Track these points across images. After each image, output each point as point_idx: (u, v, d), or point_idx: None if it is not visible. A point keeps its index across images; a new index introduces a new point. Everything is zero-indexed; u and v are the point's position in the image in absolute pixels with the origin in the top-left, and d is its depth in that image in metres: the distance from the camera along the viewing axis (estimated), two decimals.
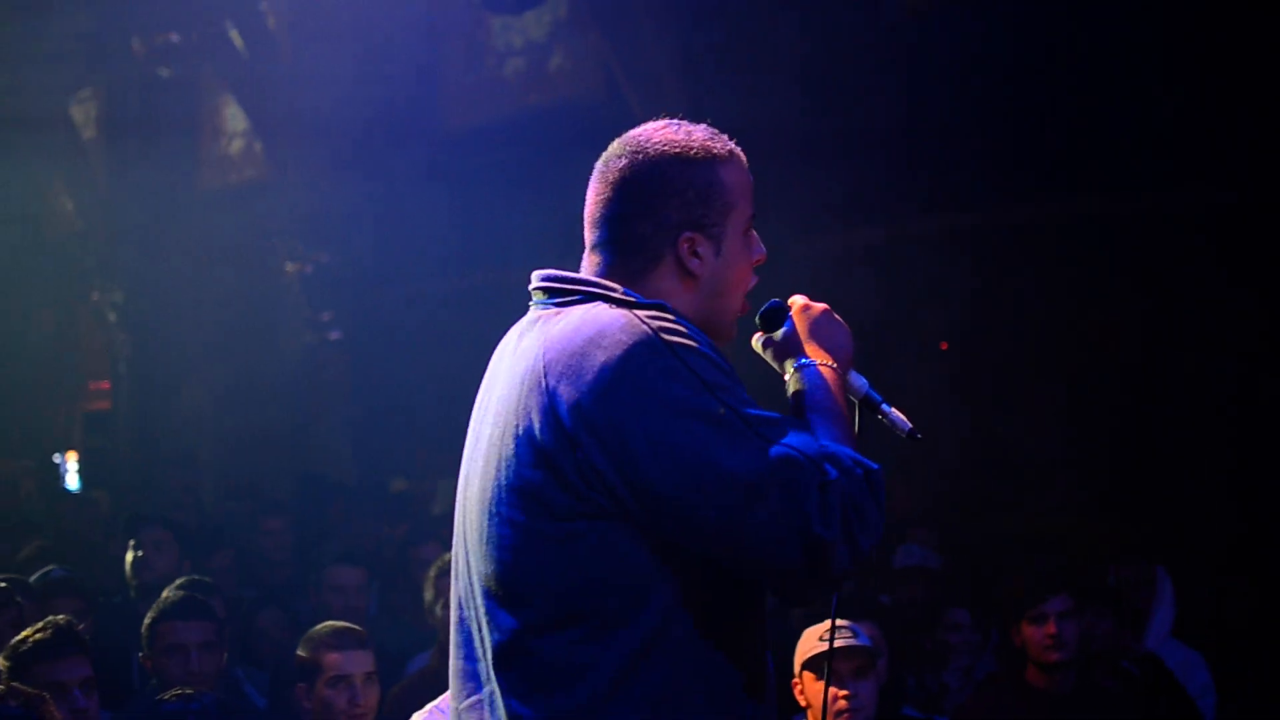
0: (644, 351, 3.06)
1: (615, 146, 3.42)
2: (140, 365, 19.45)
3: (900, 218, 12.23)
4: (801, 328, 3.46)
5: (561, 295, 3.32)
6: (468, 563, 3.30)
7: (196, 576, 8.09)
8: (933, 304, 12.10)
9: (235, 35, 16.23)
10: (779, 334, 3.48)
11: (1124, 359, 11.49)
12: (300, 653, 6.23)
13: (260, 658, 8.26)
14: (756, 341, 3.54)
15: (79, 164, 19.00)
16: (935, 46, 11.52)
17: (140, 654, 6.98)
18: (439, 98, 16.07)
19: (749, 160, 3.44)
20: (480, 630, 3.22)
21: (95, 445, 20.94)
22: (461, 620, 3.32)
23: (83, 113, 19.67)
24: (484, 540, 3.21)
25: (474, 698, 3.25)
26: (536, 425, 3.10)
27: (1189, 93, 10.07)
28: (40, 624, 5.99)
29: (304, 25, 16.38)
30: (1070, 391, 11.90)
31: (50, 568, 8.77)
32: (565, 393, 3.07)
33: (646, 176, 3.32)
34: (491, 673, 3.18)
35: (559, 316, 3.24)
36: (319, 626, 6.33)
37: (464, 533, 3.33)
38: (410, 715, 4.62)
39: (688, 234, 3.31)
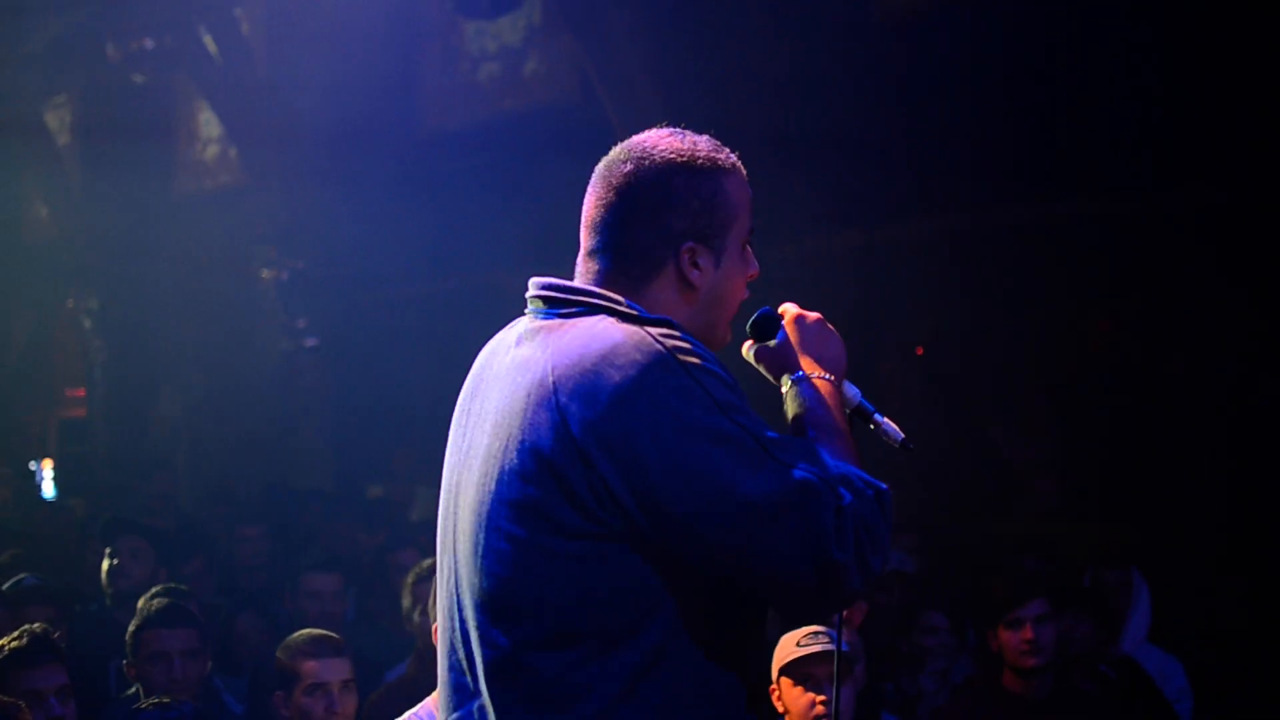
0: (659, 371, 3.03)
1: (619, 151, 3.39)
2: (116, 372, 19.41)
3: (880, 221, 12.24)
4: (795, 337, 3.44)
5: (563, 305, 3.29)
6: (456, 574, 3.26)
7: (173, 584, 8.08)
8: (913, 307, 12.10)
9: (209, 41, 16.21)
10: (773, 343, 3.46)
11: (1110, 361, 11.50)
12: (278, 660, 6.22)
13: (237, 665, 8.24)
14: (748, 350, 3.52)
15: (54, 170, 18.95)
16: (916, 49, 11.52)
17: (124, 661, 6.97)
18: (414, 103, 16.07)
19: None
20: (470, 644, 3.18)
21: (71, 452, 20.90)
22: (449, 632, 3.28)
23: (57, 118, 19.65)
24: (478, 553, 3.16)
25: (461, 711, 3.22)
26: (545, 441, 3.05)
27: (1181, 93, 10.07)
28: (16, 632, 5.98)
29: (278, 31, 16.38)
30: (1053, 395, 11.92)
31: (22, 576, 8.75)
32: (578, 410, 3.03)
33: (651, 183, 3.29)
34: (482, 687, 3.14)
35: (563, 328, 3.20)
36: (296, 634, 6.32)
37: (452, 543, 3.29)
38: None
39: (689, 244, 3.29)
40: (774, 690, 6.02)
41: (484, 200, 14.17)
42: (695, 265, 3.30)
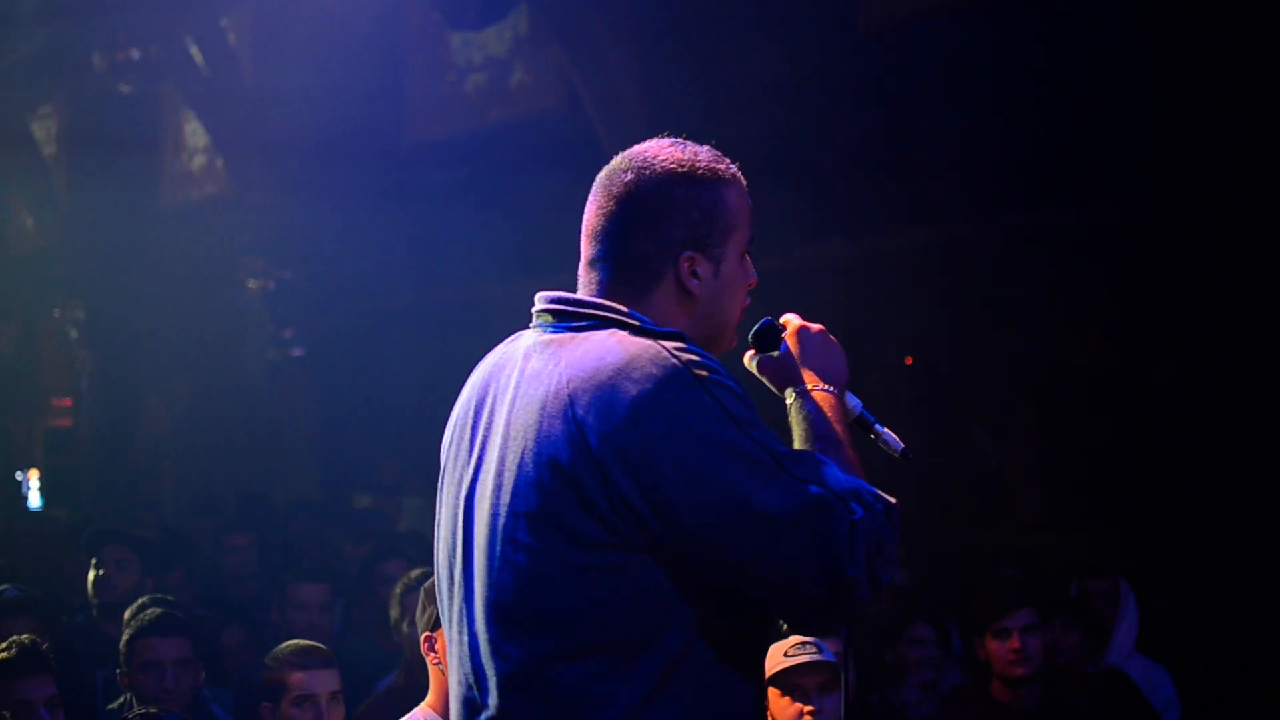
0: (674, 384, 3.04)
1: (619, 161, 3.40)
2: (102, 382, 19.43)
3: (867, 231, 12.24)
4: (798, 349, 3.47)
5: (572, 319, 3.30)
6: (467, 588, 3.25)
7: (159, 595, 8.08)
8: (901, 318, 12.11)
9: (196, 52, 16.22)
10: (776, 354, 3.49)
11: (1096, 371, 11.50)
12: (265, 671, 6.21)
13: (225, 676, 8.24)
14: (750, 360, 3.54)
15: (40, 180, 18.98)
16: (901, 59, 11.54)
17: (117, 670, 6.97)
18: (400, 113, 16.09)
19: None
20: (480, 658, 3.18)
21: (57, 462, 20.88)
22: (460, 647, 3.26)
23: (43, 129, 19.67)
24: (493, 567, 3.16)
25: None
26: (563, 453, 3.06)
27: (1168, 101, 10.08)
28: (5, 644, 5.97)
29: (265, 42, 16.40)
30: (1040, 404, 11.92)
31: (4, 587, 8.74)
32: (595, 422, 3.03)
33: (652, 193, 3.31)
34: (494, 701, 3.15)
35: (574, 342, 3.21)
36: (284, 645, 6.31)
37: (463, 557, 3.28)
38: None
39: (689, 253, 3.31)
40: None
41: (470, 211, 14.17)
42: (694, 274, 3.31)
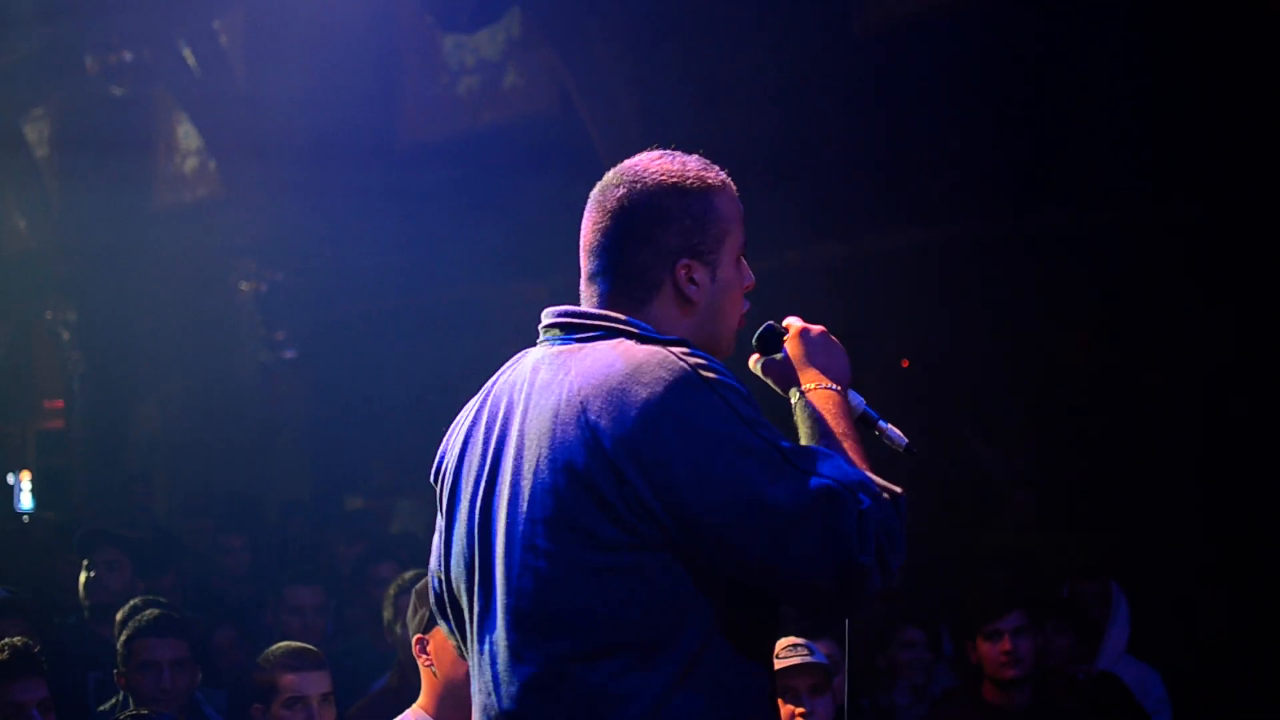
0: (683, 387, 3.13)
1: (612, 176, 3.48)
2: (94, 384, 19.38)
3: (864, 233, 12.24)
4: (801, 350, 3.56)
5: (579, 330, 3.39)
6: (486, 597, 3.32)
7: (150, 596, 8.06)
8: (894, 320, 12.11)
9: (188, 54, 16.20)
10: (779, 357, 3.58)
11: (1089, 374, 11.50)
12: (256, 673, 6.21)
13: (218, 678, 8.23)
14: (754, 364, 3.64)
15: (32, 182, 18.94)
16: (896, 60, 11.54)
17: (114, 671, 6.98)
18: (393, 116, 16.07)
19: None
20: (498, 664, 3.27)
21: (49, 464, 20.86)
22: (479, 655, 3.34)
23: (35, 131, 19.63)
24: (513, 574, 3.24)
25: None
26: (578, 457, 3.14)
27: (1160, 103, 10.09)
28: None
29: (257, 44, 16.39)
30: (1032, 407, 11.92)
31: None
32: (608, 427, 3.12)
33: (644, 205, 3.40)
34: (515, 705, 3.23)
35: (582, 351, 3.30)
36: (275, 647, 6.31)
37: (480, 568, 3.35)
38: None
39: (685, 261, 3.40)
40: None
41: (463, 213, 14.17)
42: (691, 281, 3.41)
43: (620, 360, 3.20)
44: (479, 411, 3.49)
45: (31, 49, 15.70)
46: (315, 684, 6.00)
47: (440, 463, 3.59)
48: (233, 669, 8.27)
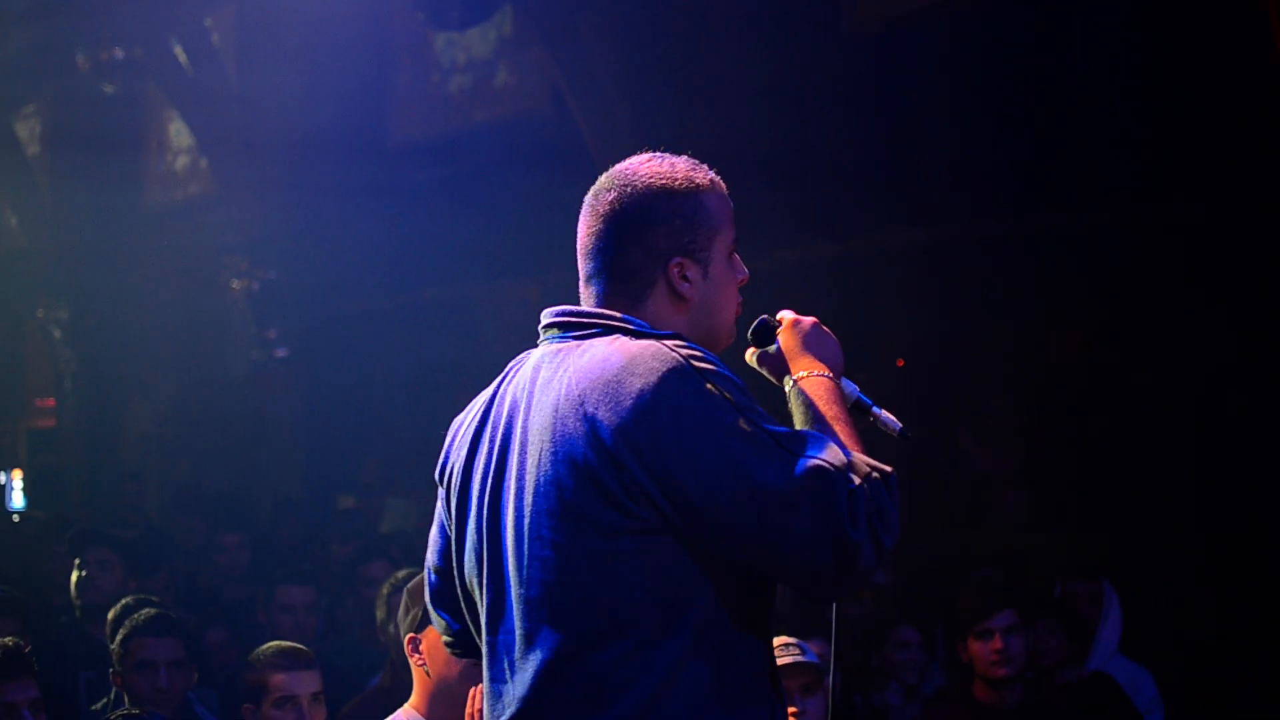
0: (676, 377, 3.24)
1: (603, 181, 3.61)
2: (86, 382, 19.38)
3: (854, 233, 12.23)
4: (794, 341, 3.69)
5: (576, 329, 3.52)
6: (497, 590, 3.44)
7: (142, 595, 8.05)
8: (889, 319, 12.10)
9: (180, 51, 16.19)
10: (772, 348, 3.71)
11: (1082, 373, 11.50)
12: (246, 672, 6.20)
13: (211, 677, 8.22)
14: (751, 356, 3.77)
15: (23, 180, 18.92)
16: (887, 60, 11.52)
17: (110, 670, 6.97)
18: (384, 114, 16.06)
19: None
20: (513, 654, 3.38)
21: (40, 463, 20.82)
22: (492, 647, 3.45)
23: (27, 129, 19.61)
24: (523, 566, 3.35)
25: (504, 717, 3.39)
26: (578, 449, 3.26)
27: (1152, 106, 10.08)
28: None
29: (249, 42, 16.38)
30: (1025, 406, 11.92)
31: None
32: (606, 417, 3.23)
33: (635, 208, 3.53)
34: (525, 691, 3.33)
35: (580, 348, 3.42)
36: (265, 646, 6.31)
37: (490, 562, 3.46)
38: None
39: (677, 259, 3.53)
40: None
41: (455, 211, 14.16)
42: (684, 278, 3.54)
43: (616, 354, 3.31)
44: (486, 411, 3.60)
45: (23, 46, 15.67)
46: (306, 683, 6.00)
47: (445, 462, 3.69)
48: (225, 667, 8.25)
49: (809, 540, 3.15)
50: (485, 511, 3.48)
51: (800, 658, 5.94)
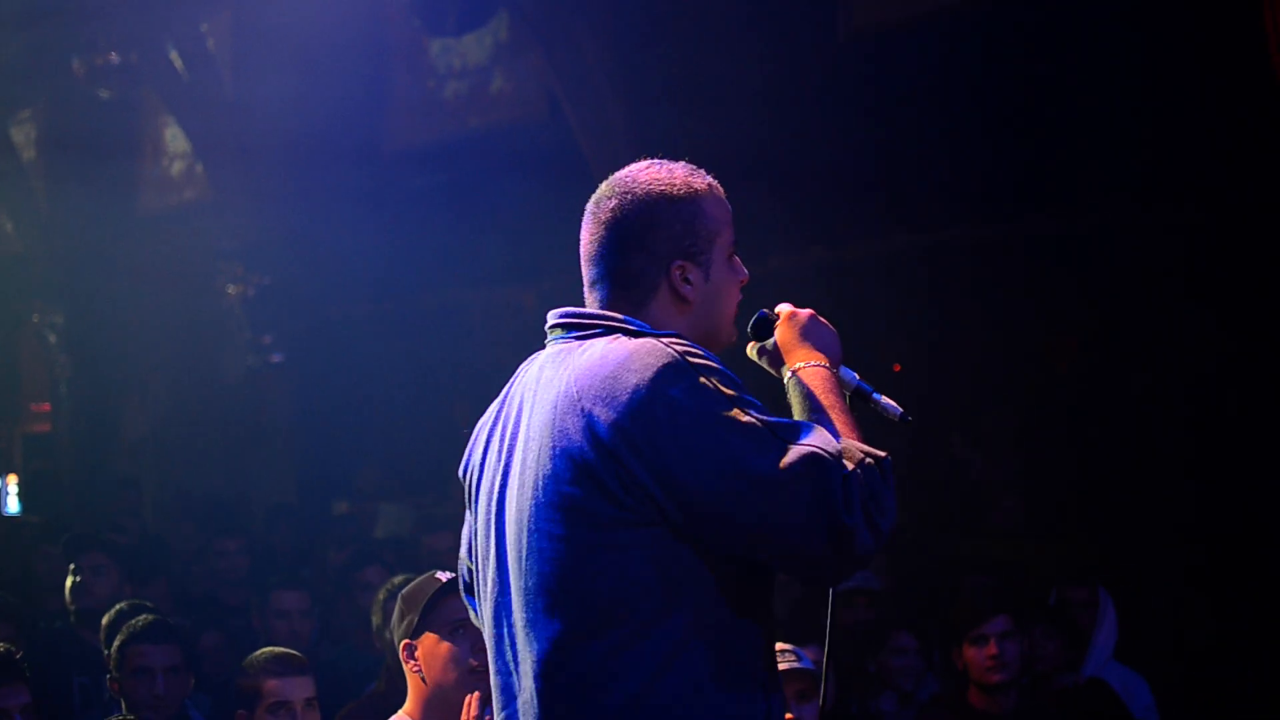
0: (671, 372, 3.33)
1: (604, 188, 3.71)
2: (81, 387, 19.35)
3: (848, 238, 12.23)
4: (792, 333, 3.78)
5: (578, 329, 3.62)
6: (502, 583, 3.54)
7: (137, 601, 8.04)
8: (885, 324, 12.09)
9: (175, 57, 16.19)
10: (770, 342, 3.80)
11: (1076, 379, 11.50)
12: (240, 679, 6.19)
13: (204, 681, 8.20)
14: (751, 350, 3.86)
15: (19, 185, 18.88)
16: (882, 66, 11.52)
17: (107, 676, 6.97)
18: (380, 120, 16.06)
19: None
20: (517, 646, 3.48)
21: (35, 468, 20.81)
22: (497, 640, 3.56)
23: (22, 134, 19.58)
24: (523, 558, 3.45)
25: (509, 710, 3.51)
26: (576, 444, 3.35)
27: (1150, 108, 10.08)
28: None
29: (244, 47, 16.37)
30: (1020, 412, 11.92)
31: None
32: (602, 413, 3.33)
33: (636, 215, 3.63)
34: (529, 683, 3.42)
35: (580, 348, 3.52)
36: (259, 652, 6.30)
37: (495, 555, 3.57)
38: None
39: (678, 263, 3.64)
40: None
41: (451, 217, 14.18)
42: (686, 281, 3.64)
43: (614, 352, 3.41)
44: (499, 411, 3.72)
45: (19, 51, 15.65)
46: (299, 689, 6.00)
47: (467, 461, 3.80)
48: (219, 673, 8.24)
49: (804, 526, 3.23)
50: (492, 506, 3.59)
51: (796, 664, 5.94)
